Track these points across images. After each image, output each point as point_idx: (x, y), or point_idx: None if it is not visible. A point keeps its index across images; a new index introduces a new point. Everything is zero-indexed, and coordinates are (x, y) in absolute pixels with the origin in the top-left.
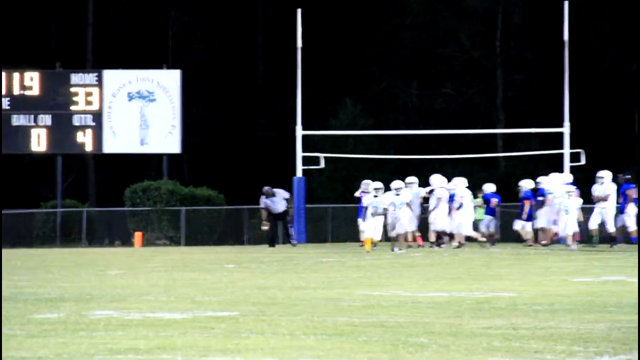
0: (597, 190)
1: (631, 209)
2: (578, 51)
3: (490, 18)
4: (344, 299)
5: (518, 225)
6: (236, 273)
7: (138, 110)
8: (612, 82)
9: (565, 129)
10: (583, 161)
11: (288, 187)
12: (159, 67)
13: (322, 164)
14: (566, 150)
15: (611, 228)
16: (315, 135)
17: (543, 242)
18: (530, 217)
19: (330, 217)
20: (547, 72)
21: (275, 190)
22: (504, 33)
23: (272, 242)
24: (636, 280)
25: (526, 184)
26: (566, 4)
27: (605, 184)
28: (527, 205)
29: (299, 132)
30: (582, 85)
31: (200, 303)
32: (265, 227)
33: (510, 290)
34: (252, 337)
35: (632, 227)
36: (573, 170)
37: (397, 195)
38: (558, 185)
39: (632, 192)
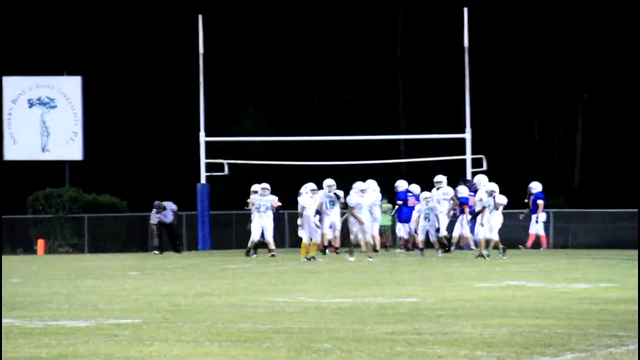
0: (435, 195)
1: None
2: (478, 57)
3: (391, 24)
4: (248, 305)
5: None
6: (140, 280)
7: (39, 117)
8: (512, 88)
9: (467, 135)
10: (485, 167)
11: (192, 194)
12: (60, 73)
13: (226, 171)
14: (468, 156)
15: (443, 232)
16: (218, 141)
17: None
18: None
19: (234, 223)
20: (448, 79)
21: (165, 203)
22: (404, 39)
23: (160, 249)
24: (536, 285)
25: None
26: (466, 10)
27: (442, 188)
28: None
29: (202, 138)
30: (482, 92)
31: (103, 311)
32: (155, 240)
33: (414, 296)
34: (155, 344)
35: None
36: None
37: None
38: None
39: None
